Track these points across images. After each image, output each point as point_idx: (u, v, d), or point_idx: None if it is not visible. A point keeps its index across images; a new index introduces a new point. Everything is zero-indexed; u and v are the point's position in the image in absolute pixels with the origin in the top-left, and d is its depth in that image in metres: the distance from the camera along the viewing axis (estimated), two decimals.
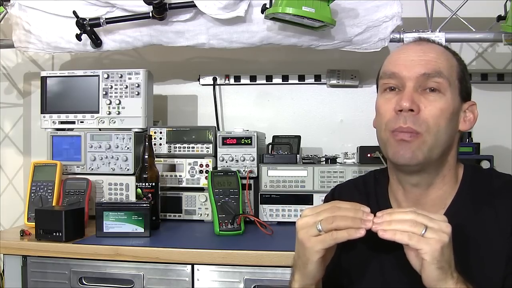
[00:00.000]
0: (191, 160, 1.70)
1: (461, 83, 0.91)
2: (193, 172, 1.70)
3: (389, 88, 0.90)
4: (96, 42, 1.68)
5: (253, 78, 2.06)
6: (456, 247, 0.75)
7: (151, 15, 1.57)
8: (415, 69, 0.87)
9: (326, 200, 1.09)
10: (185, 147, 1.73)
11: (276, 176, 1.64)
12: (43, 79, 1.78)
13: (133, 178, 1.66)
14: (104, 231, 1.43)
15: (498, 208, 0.86)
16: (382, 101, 0.91)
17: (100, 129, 1.76)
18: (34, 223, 1.45)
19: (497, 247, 0.83)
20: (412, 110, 0.85)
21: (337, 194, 1.07)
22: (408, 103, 0.84)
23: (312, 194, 1.62)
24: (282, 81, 2.04)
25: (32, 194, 1.61)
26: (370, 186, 1.02)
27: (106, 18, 1.62)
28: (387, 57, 0.95)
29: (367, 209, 0.77)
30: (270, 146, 1.77)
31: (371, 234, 0.94)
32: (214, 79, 2.07)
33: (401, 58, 0.90)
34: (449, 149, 0.90)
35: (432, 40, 0.97)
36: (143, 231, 1.43)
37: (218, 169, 1.67)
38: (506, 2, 1.57)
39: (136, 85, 1.72)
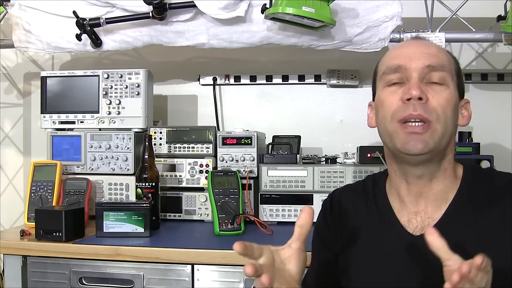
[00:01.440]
0: (191, 160, 1.70)
1: (458, 79, 0.92)
2: (193, 172, 1.70)
3: (392, 83, 0.90)
4: (96, 42, 1.68)
5: (253, 78, 2.06)
6: (459, 243, 0.75)
7: (151, 15, 1.57)
8: (420, 60, 0.88)
9: (324, 206, 1.08)
10: (185, 147, 1.73)
11: (276, 176, 1.64)
12: (43, 79, 1.78)
13: (133, 178, 1.66)
14: (104, 231, 1.43)
15: (502, 207, 0.86)
16: (386, 94, 0.90)
17: (100, 129, 1.76)
18: (34, 223, 1.45)
19: (502, 244, 0.83)
20: (420, 99, 0.85)
21: (335, 198, 1.06)
22: (418, 91, 0.84)
23: (312, 194, 1.62)
24: (282, 81, 2.04)
25: (32, 194, 1.61)
26: (369, 188, 1.01)
27: (106, 18, 1.61)
28: (387, 54, 0.96)
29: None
30: (270, 146, 1.77)
31: (371, 236, 0.95)
32: (214, 79, 2.07)
33: (403, 52, 0.91)
34: (450, 143, 0.90)
35: (427, 38, 0.99)
36: (143, 231, 1.42)
37: (218, 169, 1.67)
38: (506, 2, 1.57)
39: (136, 85, 1.72)
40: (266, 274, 0.72)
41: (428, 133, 0.85)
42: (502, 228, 0.84)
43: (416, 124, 0.85)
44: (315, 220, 1.07)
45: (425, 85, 0.87)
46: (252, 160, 1.67)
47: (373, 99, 0.98)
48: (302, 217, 0.83)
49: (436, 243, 0.71)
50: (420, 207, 0.91)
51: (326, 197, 1.10)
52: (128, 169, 1.71)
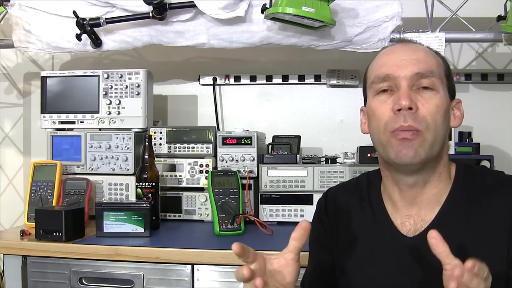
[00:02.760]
0: (191, 160, 1.70)
1: (448, 81, 0.91)
2: (193, 172, 1.70)
3: (381, 91, 0.90)
4: (96, 42, 1.68)
5: (253, 78, 2.06)
6: (453, 244, 0.75)
7: (151, 15, 1.57)
8: (408, 68, 0.88)
9: (319, 206, 1.08)
10: (185, 147, 1.73)
11: (276, 176, 1.64)
12: (43, 79, 1.78)
13: (133, 178, 1.66)
14: (104, 231, 1.43)
15: (494, 205, 0.86)
16: (377, 103, 0.90)
17: (100, 129, 1.76)
18: (34, 223, 1.45)
19: (495, 243, 0.83)
20: (410, 109, 0.85)
21: (330, 197, 1.06)
22: (407, 101, 0.84)
23: (312, 194, 1.62)
24: (282, 81, 2.04)
25: (32, 194, 1.61)
26: (363, 188, 1.01)
27: (106, 18, 1.62)
28: (375, 61, 0.95)
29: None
30: (270, 146, 1.77)
31: (366, 238, 0.95)
32: (214, 79, 2.07)
33: (391, 60, 0.90)
34: (444, 147, 0.91)
35: (415, 41, 0.98)
36: (143, 231, 1.42)
37: (218, 169, 1.67)
38: (506, 2, 1.57)
39: (136, 85, 1.72)
40: (260, 277, 0.73)
41: (418, 141, 0.85)
42: (494, 227, 0.84)
43: (408, 132, 0.85)
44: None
45: (415, 92, 0.87)
46: (252, 160, 1.67)
47: (365, 104, 0.98)
48: (298, 231, 0.83)
49: (439, 247, 0.71)
50: (413, 211, 0.92)
51: (320, 197, 1.10)
52: (128, 169, 1.71)
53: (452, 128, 1.30)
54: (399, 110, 0.85)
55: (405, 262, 0.87)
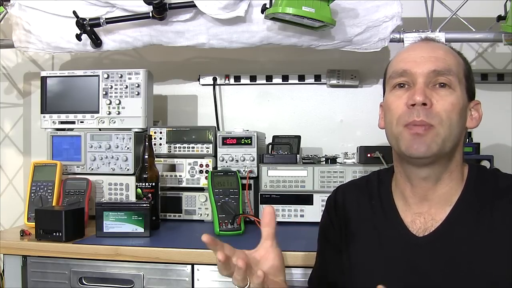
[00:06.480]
0: (191, 160, 1.70)
1: (467, 81, 0.92)
2: (193, 172, 1.70)
3: (398, 85, 0.91)
4: (96, 42, 1.68)
5: (253, 78, 2.06)
6: (463, 245, 0.75)
7: (151, 15, 1.57)
8: (426, 65, 0.88)
9: (328, 203, 1.08)
10: (185, 147, 1.73)
11: (276, 176, 1.64)
12: (43, 79, 1.78)
13: (133, 178, 1.66)
14: (104, 231, 1.43)
15: (505, 209, 0.86)
16: (393, 98, 0.91)
17: (100, 129, 1.76)
18: (34, 223, 1.45)
19: (504, 247, 0.83)
20: (425, 104, 0.85)
21: (339, 195, 1.06)
22: (422, 97, 0.85)
23: (312, 194, 1.61)
24: (282, 81, 2.05)
25: (32, 194, 1.61)
26: (373, 186, 1.01)
27: (106, 18, 1.62)
28: (395, 57, 0.96)
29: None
30: (270, 146, 1.77)
31: (375, 236, 0.94)
32: (214, 79, 2.07)
33: (411, 56, 0.91)
34: (457, 145, 0.91)
35: (437, 40, 0.98)
36: (143, 231, 1.42)
37: (218, 169, 1.67)
38: (506, 2, 1.57)
39: (136, 85, 1.72)
40: (240, 259, 0.79)
41: (430, 136, 0.85)
42: (505, 230, 0.84)
43: (420, 126, 0.86)
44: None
45: (431, 89, 0.87)
46: (252, 160, 1.67)
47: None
48: (266, 217, 0.89)
49: None
50: (424, 209, 0.92)
51: (330, 194, 1.10)
52: (128, 169, 1.71)
53: None
54: (413, 105, 0.86)
55: (415, 262, 0.87)
